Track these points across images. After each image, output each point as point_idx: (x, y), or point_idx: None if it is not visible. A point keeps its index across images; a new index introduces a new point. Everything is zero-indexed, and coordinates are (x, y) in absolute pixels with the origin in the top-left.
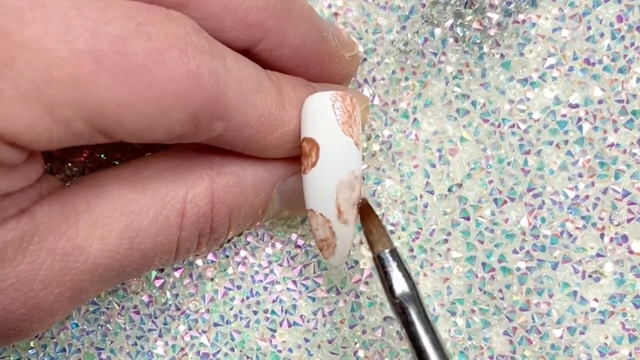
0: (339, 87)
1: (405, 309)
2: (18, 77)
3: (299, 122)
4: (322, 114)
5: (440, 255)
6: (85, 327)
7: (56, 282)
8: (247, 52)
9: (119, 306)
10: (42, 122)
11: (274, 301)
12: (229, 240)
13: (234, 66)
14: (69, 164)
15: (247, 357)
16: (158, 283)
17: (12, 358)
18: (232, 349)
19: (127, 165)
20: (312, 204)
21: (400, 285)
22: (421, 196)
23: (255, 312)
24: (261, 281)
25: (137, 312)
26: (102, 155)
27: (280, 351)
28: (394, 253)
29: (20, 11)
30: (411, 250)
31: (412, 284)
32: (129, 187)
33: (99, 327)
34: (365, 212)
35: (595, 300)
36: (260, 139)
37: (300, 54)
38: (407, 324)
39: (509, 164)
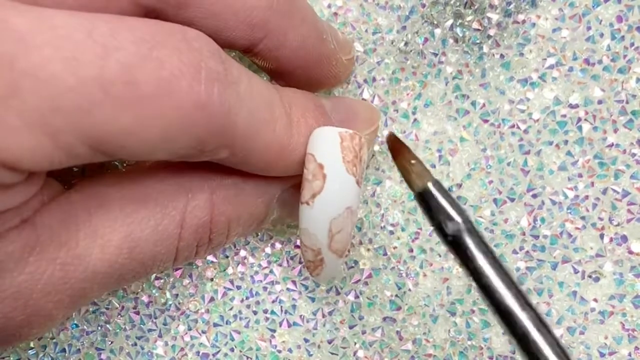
0: (352, 100)
1: (462, 244)
2: (22, 106)
3: (304, 149)
4: (328, 149)
5: (439, 256)
6: (85, 327)
7: (56, 290)
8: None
9: (119, 306)
10: (44, 149)
11: (273, 301)
12: None
13: (247, 93)
14: None
15: (247, 357)
16: (158, 283)
17: (12, 358)
18: (232, 349)
19: (128, 173)
20: (305, 231)
21: (451, 220)
22: None
23: (255, 312)
24: (261, 281)
25: (137, 313)
26: None
27: (280, 351)
28: (438, 185)
29: (28, 36)
30: (411, 250)
31: (465, 216)
32: (129, 197)
33: (99, 328)
34: (396, 147)
35: (595, 300)
36: (265, 165)
37: (300, 56)
38: (467, 261)
39: (508, 164)
